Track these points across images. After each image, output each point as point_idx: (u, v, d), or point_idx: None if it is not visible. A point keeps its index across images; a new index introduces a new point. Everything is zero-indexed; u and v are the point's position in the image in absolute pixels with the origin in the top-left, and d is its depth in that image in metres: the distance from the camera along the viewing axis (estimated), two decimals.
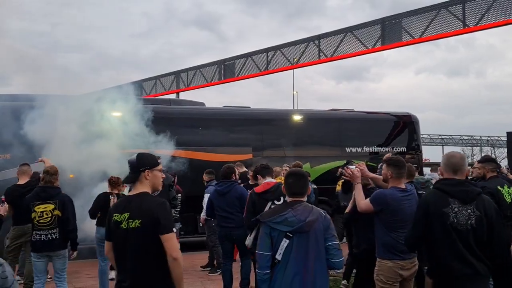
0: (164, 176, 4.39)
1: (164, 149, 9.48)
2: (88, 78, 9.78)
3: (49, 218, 5.21)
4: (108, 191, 6.43)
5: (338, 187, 7.85)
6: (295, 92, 40.07)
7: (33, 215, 5.20)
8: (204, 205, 7.76)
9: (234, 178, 6.44)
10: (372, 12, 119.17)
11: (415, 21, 15.61)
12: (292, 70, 22.88)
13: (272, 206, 4.77)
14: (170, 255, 2.80)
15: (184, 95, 23.95)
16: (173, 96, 23.81)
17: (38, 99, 8.80)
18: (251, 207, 5.01)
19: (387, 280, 3.97)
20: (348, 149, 12.22)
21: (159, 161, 3.23)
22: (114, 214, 2.96)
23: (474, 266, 3.09)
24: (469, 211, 3.13)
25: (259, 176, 5.42)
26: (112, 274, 6.93)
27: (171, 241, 2.83)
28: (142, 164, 3.02)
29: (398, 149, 12.79)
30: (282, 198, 4.79)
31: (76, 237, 5.49)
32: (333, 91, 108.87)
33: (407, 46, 16.70)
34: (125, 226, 2.87)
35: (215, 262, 7.87)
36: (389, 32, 16.15)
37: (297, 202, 3.16)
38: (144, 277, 2.85)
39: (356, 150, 12.30)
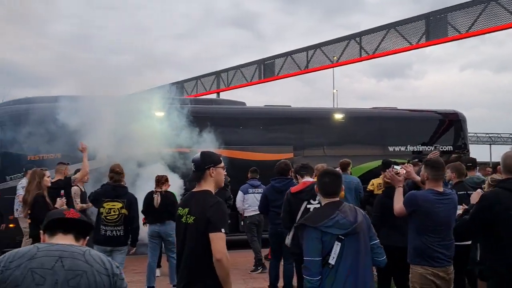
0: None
1: (207, 148, 9.61)
2: (131, 79, 10.00)
3: (116, 216, 5.48)
4: (154, 190, 6.62)
5: (371, 187, 7.66)
6: (335, 91, 39.69)
7: (101, 210, 5.45)
8: (239, 202, 8.03)
9: (290, 175, 6.32)
10: (414, 7, 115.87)
11: (462, 15, 15.05)
12: (332, 68, 22.62)
13: (308, 206, 4.76)
14: (214, 256, 2.83)
15: (224, 95, 24.17)
16: (213, 96, 24.09)
17: (85, 100, 9.14)
18: (287, 206, 4.99)
19: (421, 287, 3.84)
20: (391, 148, 11.99)
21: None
22: (179, 208, 3.12)
23: None
24: None
25: (298, 176, 5.38)
26: (158, 273, 7.14)
27: (217, 241, 2.84)
28: (207, 162, 3.09)
29: (444, 148, 12.44)
30: (317, 198, 4.76)
31: (138, 235, 5.78)
32: (373, 89, 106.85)
33: (451, 42, 16.15)
34: (184, 220, 3.00)
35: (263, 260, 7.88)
36: (434, 27, 15.65)
37: (339, 203, 3.10)
38: (196, 272, 2.93)
39: (400, 149, 12.05)
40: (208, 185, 3.07)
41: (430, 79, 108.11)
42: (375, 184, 7.63)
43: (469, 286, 5.20)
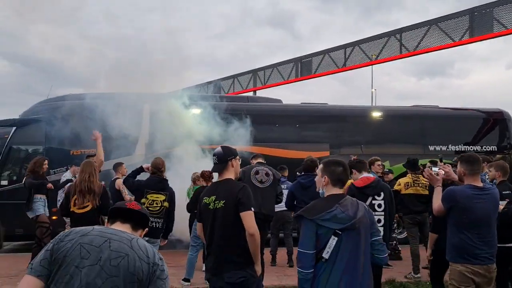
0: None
1: (245, 145, 9.69)
2: (171, 78, 10.20)
3: (158, 208, 5.56)
4: (204, 185, 6.65)
5: (397, 186, 7.45)
6: (373, 90, 38.99)
7: (143, 200, 5.49)
8: None
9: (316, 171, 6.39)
10: (456, 4, 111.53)
11: (509, 9, 14.41)
12: (370, 66, 22.22)
13: (373, 202, 4.68)
14: (247, 231, 3.25)
15: (260, 93, 24.22)
16: (250, 94, 24.18)
17: (124, 97, 9.36)
18: None
19: (459, 285, 3.75)
20: (431, 147, 11.64)
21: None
22: (204, 198, 3.51)
23: None
24: None
25: (354, 171, 5.26)
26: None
27: (249, 218, 3.28)
28: (228, 154, 3.54)
29: (488, 148, 11.98)
30: (382, 194, 4.69)
31: (172, 228, 5.86)
32: (413, 88, 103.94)
33: (496, 39, 15.50)
34: (212, 206, 3.39)
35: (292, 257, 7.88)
36: (479, 23, 15.08)
37: (341, 196, 2.97)
38: (227, 249, 3.33)
39: (441, 149, 11.67)
40: (230, 174, 3.51)
41: (473, 78, 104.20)
42: (402, 183, 7.47)
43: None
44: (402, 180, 7.56)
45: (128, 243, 1.94)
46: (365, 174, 4.94)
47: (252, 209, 3.33)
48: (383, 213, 4.63)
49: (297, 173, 7.61)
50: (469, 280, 3.70)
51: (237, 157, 3.59)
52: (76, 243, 1.87)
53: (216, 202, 3.37)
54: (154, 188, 5.60)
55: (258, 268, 3.42)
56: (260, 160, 6.57)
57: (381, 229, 4.32)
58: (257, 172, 6.06)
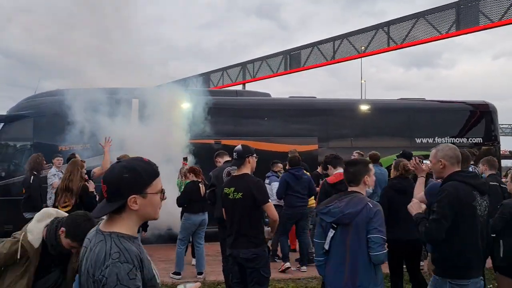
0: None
1: (231, 139, 9.74)
2: (157, 70, 10.14)
3: None
4: (194, 180, 6.70)
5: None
6: (363, 81, 39.18)
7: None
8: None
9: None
10: None
11: (494, 3, 14.55)
12: (359, 58, 22.32)
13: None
14: (271, 219, 4.11)
15: (250, 86, 24.23)
16: (239, 87, 24.18)
17: (110, 91, 9.33)
18: (323, 197, 4.96)
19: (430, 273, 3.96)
20: (418, 140, 11.80)
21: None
22: (225, 188, 4.19)
23: (481, 256, 3.25)
24: (485, 202, 3.25)
25: (329, 166, 5.37)
26: (194, 262, 7.24)
27: (270, 208, 4.06)
28: (246, 152, 4.14)
29: (474, 140, 12.17)
30: None
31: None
32: (401, 79, 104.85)
33: (482, 31, 15.66)
34: (232, 196, 4.07)
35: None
36: (465, 16, 15.21)
37: (349, 193, 3.16)
38: (243, 232, 4.05)
39: (427, 141, 11.82)
40: (246, 169, 4.14)
41: (460, 68, 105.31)
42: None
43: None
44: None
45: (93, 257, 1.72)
46: (340, 170, 5.03)
47: (269, 200, 4.06)
48: None
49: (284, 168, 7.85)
50: None
51: (254, 155, 4.19)
52: (82, 255, 1.81)
53: (235, 193, 4.04)
54: None
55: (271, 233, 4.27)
56: (227, 158, 6.11)
57: None
58: (229, 174, 5.65)
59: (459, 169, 3.28)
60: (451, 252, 3.14)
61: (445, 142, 11.87)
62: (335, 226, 3.03)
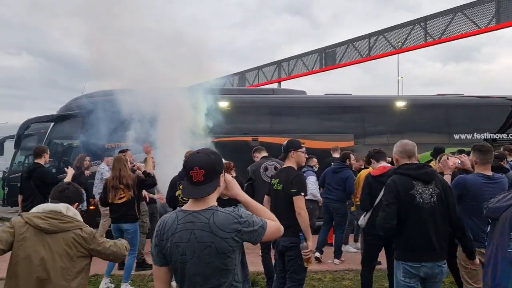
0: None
1: (269, 136, 10.01)
2: (192, 70, 10.43)
3: None
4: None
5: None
6: (400, 78, 38.60)
7: (178, 192, 5.83)
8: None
9: (348, 162, 7.70)
10: None
11: None
12: (395, 55, 22.06)
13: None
14: (296, 211, 4.17)
15: (285, 84, 24.41)
16: (274, 85, 24.40)
17: (149, 92, 9.72)
18: (367, 189, 5.15)
19: (466, 264, 4.03)
20: (456, 136, 11.69)
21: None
22: (272, 179, 4.53)
23: (433, 242, 3.44)
24: (430, 190, 3.49)
25: (373, 160, 5.54)
26: None
27: (298, 202, 4.18)
28: (289, 146, 4.38)
29: None
30: None
31: None
32: (439, 74, 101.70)
33: None
34: (276, 187, 4.38)
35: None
36: (506, 9, 14.83)
37: None
38: (284, 220, 3.94)
39: (466, 137, 11.70)
40: (290, 163, 4.39)
41: (501, 63, 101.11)
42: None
43: None
44: None
45: (207, 228, 2.07)
46: (383, 164, 5.19)
47: (302, 194, 4.19)
48: None
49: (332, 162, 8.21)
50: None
51: (300, 149, 4.38)
52: (172, 243, 2.12)
53: (277, 184, 4.35)
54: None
55: (309, 243, 4.16)
56: (264, 153, 6.45)
57: None
58: (266, 169, 6.07)
59: (409, 162, 3.64)
60: (400, 237, 3.52)
61: (483, 138, 11.73)
62: (490, 221, 2.93)
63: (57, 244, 2.88)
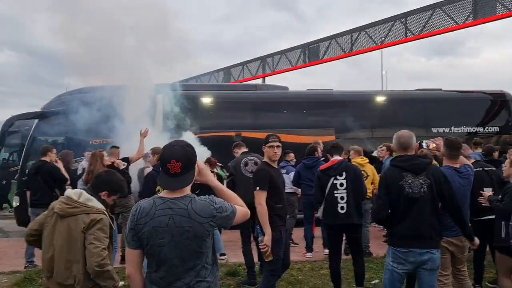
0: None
1: (250, 132, 10.22)
2: (177, 66, 10.50)
3: None
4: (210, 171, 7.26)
5: None
6: (384, 72, 39.04)
7: (158, 187, 5.88)
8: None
9: (316, 155, 7.63)
10: None
11: None
12: (378, 50, 22.39)
13: (334, 182, 5.25)
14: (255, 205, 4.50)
15: (269, 79, 24.59)
16: (259, 80, 24.58)
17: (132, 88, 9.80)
18: (317, 182, 5.48)
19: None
20: (434, 130, 12.00)
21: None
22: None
23: (422, 230, 3.62)
24: (420, 181, 3.64)
25: (328, 155, 5.81)
26: None
27: (256, 196, 4.49)
28: (263, 142, 4.69)
29: (491, 129, 12.31)
30: (344, 174, 5.24)
31: None
32: (423, 68, 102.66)
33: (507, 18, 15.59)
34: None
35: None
36: (482, 5, 15.23)
37: None
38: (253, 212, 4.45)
39: (443, 131, 12.02)
40: (265, 158, 4.76)
41: (485, 57, 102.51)
42: None
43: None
44: None
45: (186, 214, 2.23)
46: (336, 158, 5.45)
47: (258, 188, 4.47)
48: (345, 190, 5.22)
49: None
50: (444, 248, 4.17)
51: (266, 145, 4.68)
52: (150, 227, 2.23)
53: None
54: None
55: (266, 237, 4.37)
56: (244, 149, 6.63)
57: (345, 205, 5.16)
58: (246, 164, 6.22)
59: (404, 153, 3.80)
60: (392, 225, 3.75)
61: (461, 132, 12.10)
62: None
63: (66, 228, 3.06)
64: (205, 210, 2.26)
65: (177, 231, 2.22)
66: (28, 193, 7.58)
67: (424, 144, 4.92)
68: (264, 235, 4.36)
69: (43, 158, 7.37)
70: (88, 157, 8.58)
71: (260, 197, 4.44)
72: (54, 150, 7.67)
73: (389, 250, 3.80)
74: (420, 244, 3.62)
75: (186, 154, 2.30)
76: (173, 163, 2.26)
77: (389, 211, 3.73)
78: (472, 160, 5.47)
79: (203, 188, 2.74)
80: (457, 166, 4.34)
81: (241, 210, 2.45)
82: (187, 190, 2.35)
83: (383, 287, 3.89)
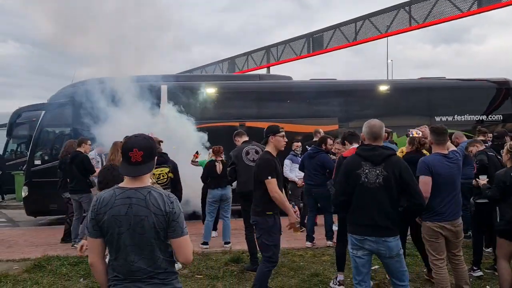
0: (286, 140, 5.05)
1: (256, 121, 10.35)
2: (181, 56, 10.55)
3: (165, 179, 6.25)
4: (214, 159, 7.42)
5: (400, 154, 7.82)
6: (389, 61, 38.82)
7: (151, 177, 6.16)
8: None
9: (324, 147, 7.54)
10: None
11: None
12: (383, 38, 22.31)
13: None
14: (270, 193, 4.55)
15: (274, 69, 24.62)
16: (264, 70, 24.60)
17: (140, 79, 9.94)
18: (337, 170, 5.29)
19: (429, 238, 4.39)
20: (437, 118, 12.02)
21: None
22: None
23: (375, 219, 3.60)
24: (377, 171, 3.62)
25: (346, 142, 5.78)
26: (214, 234, 8.05)
27: (269, 185, 4.51)
28: (268, 132, 4.63)
29: (494, 118, 12.31)
30: None
31: (181, 197, 6.50)
32: (429, 56, 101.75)
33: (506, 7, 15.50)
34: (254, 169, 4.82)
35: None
36: None
37: None
38: (254, 201, 4.77)
39: (447, 119, 12.05)
40: (269, 148, 4.64)
41: (492, 44, 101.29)
42: (404, 151, 7.85)
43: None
44: (405, 148, 7.99)
45: (143, 203, 2.33)
46: (355, 146, 5.48)
47: (269, 177, 4.44)
48: None
49: (307, 146, 8.47)
50: (437, 233, 4.32)
51: (277, 134, 4.58)
52: (110, 216, 2.33)
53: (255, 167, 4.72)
54: (157, 163, 6.20)
55: (289, 217, 4.54)
56: (245, 138, 6.66)
57: None
58: (247, 153, 6.31)
59: (373, 143, 3.79)
60: (349, 212, 3.78)
61: (464, 120, 12.11)
62: None
63: None
64: (161, 203, 2.35)
65: (134, 219, 2.31)
66: (66, 180, 8.16)
67: (410, 133, 5.04)
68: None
69: (78, 149, 7.89)
70: (99, 149, 8.84)
71: (274, 185, 4.45)
72: (89, 142, 8.12)
73: (348, 237, 3.83)
74: (374, 233, 3.61)
75: (148, 145, 2.42)
76: (135, 152, 2.37)
77: (345, 198, 3.74)
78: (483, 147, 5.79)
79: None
80: (446, 152, 4.44)
81: (189, 244, 2.46)
82: (147, 181, 2.43)
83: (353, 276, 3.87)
